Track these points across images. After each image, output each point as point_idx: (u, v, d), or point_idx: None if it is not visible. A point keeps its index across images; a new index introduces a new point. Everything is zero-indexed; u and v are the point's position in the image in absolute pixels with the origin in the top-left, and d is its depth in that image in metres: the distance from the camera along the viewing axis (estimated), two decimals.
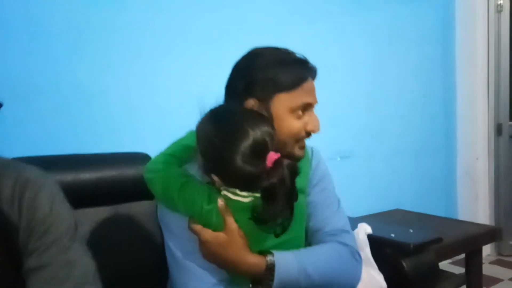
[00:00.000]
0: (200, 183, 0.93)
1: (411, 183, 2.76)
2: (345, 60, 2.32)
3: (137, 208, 1.43)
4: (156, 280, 1.25)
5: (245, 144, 0.82)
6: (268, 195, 0.81)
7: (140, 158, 1.42)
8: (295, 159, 0.97)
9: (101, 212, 1.42)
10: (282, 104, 0.96)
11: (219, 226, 0.89)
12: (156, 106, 1.70)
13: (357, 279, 1.05)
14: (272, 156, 0.82)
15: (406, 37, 2.66)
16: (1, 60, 1.39)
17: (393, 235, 1.55)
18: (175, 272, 0.98)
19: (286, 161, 0.83)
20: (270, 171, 0.81)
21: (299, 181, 0.88)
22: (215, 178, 0.88)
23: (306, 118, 0.98)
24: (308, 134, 1.00)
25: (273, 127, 0.88)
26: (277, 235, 0.86)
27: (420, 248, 1.51)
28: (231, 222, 0.89)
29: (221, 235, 0.89)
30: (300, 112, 0.97)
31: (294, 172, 0.84)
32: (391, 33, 2.58)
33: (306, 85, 0.97)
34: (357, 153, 2.43)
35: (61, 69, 1.50)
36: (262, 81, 0.95)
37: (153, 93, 1.71)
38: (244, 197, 0.86)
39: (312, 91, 1.00)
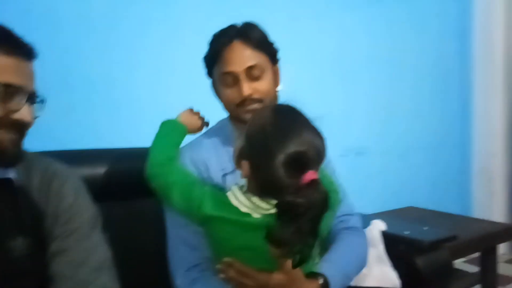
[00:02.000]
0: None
1: (426, 180, 2.73)
2: (361, 55, 2.30)
3: (150, 203, 1.43)
4: (165, 276, 1.25)
5: (294, 148, 0.77)
6: (285, 212, 0.74)
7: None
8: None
9: (113, 207, 1.42)
10: (216, 78, 1.10)
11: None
12: (162, 101, 1.70)
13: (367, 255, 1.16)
14: (311, 175, 0.75)
15: (424, 31, 2.63)
16: None
17: (407, 232, 1.53)
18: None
19: (322, 188, 0.76)
20: (301, 188, 0.74)
21: None
22: (245, 165, 0.83)
23: (237, 87, 1.04)
24: (243, 101, 1.05)
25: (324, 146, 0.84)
26: (294, 265, 0.77)
27: (435, 245, 1.49)
28: (287, 264, 0.83)
29: (280, 276, 0.86)
30: (228, 82, 1.05)
31: (325, 202, 0.76)
32: (408, 27, 2.54)
33: (224, 54, 1.05)
34: (371, 150, 2.41)
35: (69, 66, 1.51)
36: (206, 57, 1.11)
37: (159, 89, 1.72)
38: (257, 209, 0.83)
39: (231, 60, 1.04)
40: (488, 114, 2.92)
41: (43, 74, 1.44)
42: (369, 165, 2.42)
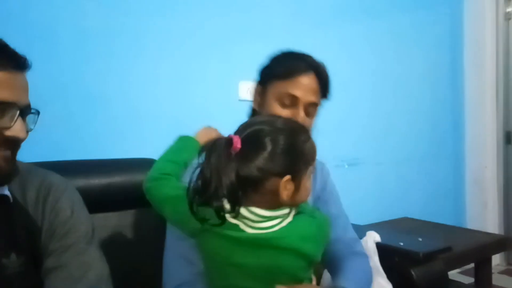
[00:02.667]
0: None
1: (419, 191, 2.74)
2: (353, 67, 2.32)
3: (145, 214, 1.44)
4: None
5: None
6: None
7: (147, 164, 1.42)
8: None
9: (109, 218, 1.43)
10: (273, 91, 1.09)
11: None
12: (161, 112, 1.70)
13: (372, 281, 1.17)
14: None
15: (415, 44, 2.67)
16: None
17: (402, 244, 1.54)
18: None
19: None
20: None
21: None
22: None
23: (292, 110, 1.06)
24: None
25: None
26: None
27: (430, 257, 1.50)
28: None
29: None
30: (286, 102, 1.06)
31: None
32: (400, 40, 2.58)
33: (298, 79, 1.07)
34: (364, 161, 2.42)
35: (67, 77, 1.51)
36: (265, 69, 1.14)
37: (158, 99, 1.72)
38: (244, 220, 0.81)
39: (303, 87, 1.07)
40: (479, 126, 2.95)
41: (41, 84, 1.47)
42: (363, 176, 2.43)
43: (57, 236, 0.83)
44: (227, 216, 0.79)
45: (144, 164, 1.50)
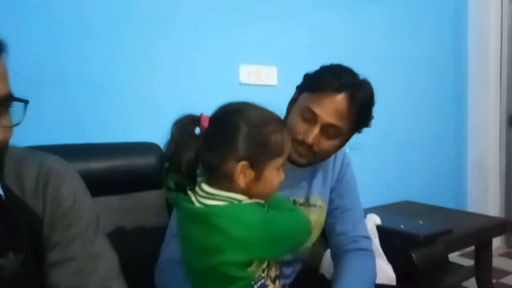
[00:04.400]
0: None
1: (421, 174, 2.74)
2: (355, 48, 2.29)
3: (148, 197, 1.45)
4: None
5: None
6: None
7: (151, 148, 1.43)
8: None
9: (112, 201, 1.44)
10: (300, 101, 1.07)
11: None
12: (161, 96, 1.69)
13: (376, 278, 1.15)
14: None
15: (418, 26, 2.63)
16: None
17: (402, 226, 1.55)
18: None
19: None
20: None
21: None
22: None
23: (309, 126, 1.02)
24: (302, 142, 1.03)
25: None
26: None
27: (430, 239, 1.51)
28: None
29: None
30: (306, 115, 1.03)
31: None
32: (401, 22, 2.54)
33: (324, 96, 1.01)
34: (366, 145, 2.41)
35: (70, 60, 1.50)
36: (306, 76, 1.10)
37: (157, 83, 1.70)
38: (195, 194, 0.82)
39: (326, 106, 1.01)
40: (482, 109, 2.93)
41: (41, 66, 1.47)
42: (365, 160, 2.43)
43: (60, 228, 0.77)
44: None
45: (146, 148, 1.51)
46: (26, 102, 0.71)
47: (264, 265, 0.85)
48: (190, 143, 0.79)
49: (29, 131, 1.45)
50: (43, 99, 1.45)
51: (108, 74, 1.58)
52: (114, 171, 1.39)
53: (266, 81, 1.98)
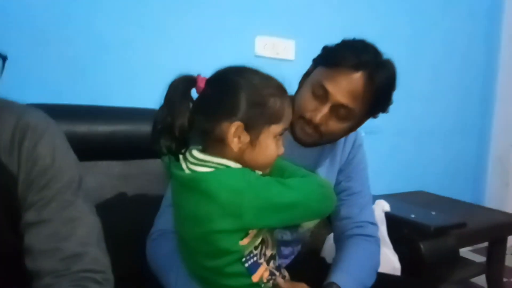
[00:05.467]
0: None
1: (438, 164, 2.64)
2: (381, 26, 2.17)
3: (151, 165, 1.41)
4: None
5: None
6: None
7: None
8: None
9: (114, 167, 1.40)
10: (313, 75, 0.99)
11: None
12: (173, 65, 1.63)
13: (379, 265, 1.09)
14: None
15: (450, 10, 2.47)
16: (8, 7, 1.34)
17: (413, 216, 1.48)
18: None
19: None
20: None
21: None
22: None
23: (319, 104, 0.94)
24: (309, 120, 0.96)
25: None
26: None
27: (441, 231, 1.44)
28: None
29: None
30: (317, 92, 0.95)
31: None
32: (434, 4, 2.39)
33: (339, 72, 0.93)
34: (383, 130, 2.32)
35: (77, 17, 1.44)
36: (324, 48, 1.00)
37: (171, 51, 1.64)
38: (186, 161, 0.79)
39: (340, 83, 0.92)
40: (511, 102, 2.79)
41: (43, 19, 1.42)
42: (380, 146, 2.34)
43: (36, 188, 0.72)
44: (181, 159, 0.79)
45: (151, 114, 1.45)
46: (4, 58, 0.69)
47: (257, 242, 0.80)
48: (184, 106, 0.75)
49: (32, 89, 1.43)
50: (47, 57, 1.41)
51: (116, 34, 1.52)
52: (116, 136, 1.35)
53: (283, 55, 1.89)
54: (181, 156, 0.79)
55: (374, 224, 1.11)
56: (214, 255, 0.78)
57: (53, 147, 0.75)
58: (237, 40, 1.78)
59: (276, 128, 0.78)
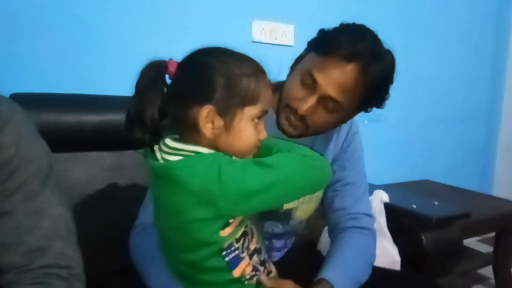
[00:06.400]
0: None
1: (445, 153, 2.57)
2: (385, 11, 2.09)
3: (141, 156, 1.37)
4: None
5: None
6: None
7: None
8: None
9: (105, 157, 1.37)
10: (304, 61, 0.93)
11: None
12: (169, 50, 1.57)
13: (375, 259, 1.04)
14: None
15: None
16: None
17: (414, 206, 1.42)
18: None
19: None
20: None
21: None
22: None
23: (307, 94, 0.89)
24: (294, 110, 0.91)
25: None
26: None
27: (444, 222, 1.38)
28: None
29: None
30: (306, 80, 0.89)
31: None
32: None
33: (330, 62, 0.86)
34: (387, 117, 2.25)
35: (69, 4, 1.40)
36: (320, 32, 0.94)
37: (168, 35, 1.59)
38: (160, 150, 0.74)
39: (330, 74, 0.86)
40: None
41: (35, 4, 1.38)
42: (384, 133, 2.27)
43: (0, 178, 0.69)
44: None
45: None
46: None
47: (239, 233, 0.75)
48: (154, 94, 0.71)
49: (23, 77, 1.40)
50: (39, 44, 1.37)
51: (109, 20, 1.47)
52: (107, 126, 1.31)
53: (282, 40, 1.83)
54: (156, 146, 0.75)
55: (370, 216, 1.06)
56: (191, 247, 0.74)
57: (17, 135, 0.71)
58: (233, 24, 1.72)
59: (251, 111, 0.73)
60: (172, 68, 0.73)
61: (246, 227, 0.77)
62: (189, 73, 0.72)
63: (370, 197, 1.28)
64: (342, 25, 0.90)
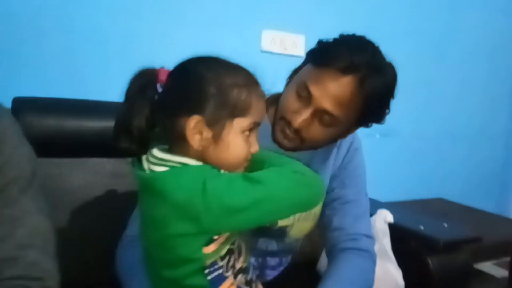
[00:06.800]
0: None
1: (461, 170, 2.48)
2: (401, 24, 2.04)
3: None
4: None
5: None
6: None
7: None
8: None
9: (105, 164, 1.35)
10: (302, 72, 0.90)
11: None
12: (178, 59, 1.56)
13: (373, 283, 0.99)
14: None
15: (478, 4, 2.29)
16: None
17: (422, 227, 1.35)
18: None
19: None
20: None
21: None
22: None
23: (302, 106, 0.86)
24: (289, 122, 0.88)
25: None
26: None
27: (452, 245, 1.31)
28: None
29: None
30: (301, 93, 0.86)
31: None
32: None
33: (326, 74, 0.83)
34: (400, 132, 2.19)
35: (74, 6, 1.40)
36: (319, 43, 0.91)
37: (176, 44, 1.58)
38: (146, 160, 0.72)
39: (325, 87, 0.83)
40: None
41: (42, 12, 1.37)
42: (396, 149, 2.21)
43: None
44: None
45: None
46: None
47: (224, 251, 0.71)
48: (142, 104, 0.68)
49: (26, 81, 1.40)
50: (43, 49, 1.37)
51: (115, 27, 1.47)
52: (109, 132, 1.29)
53: (292, 50, 1.80)
54: (144, 156, 0.72)
55: (370, 237, 1.01)
56: (172, 264, 0.70)
57: (1, 140, 0.70)
58: (242, 34, 1.70)
59: (241, 122, 0.69)
60: (163, 77, 0.70)
61: (233, 244, 0.73)
62: (179, 82, 0.69)
63: (373, 217, 1.23)
64: (342, 36, 0.87)
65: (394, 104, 2.25)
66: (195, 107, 0.67)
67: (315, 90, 0.82)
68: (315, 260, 1.36)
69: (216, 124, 0.68)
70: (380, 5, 1.98)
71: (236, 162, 0.72)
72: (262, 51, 1.74)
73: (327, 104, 0.81)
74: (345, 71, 0.80)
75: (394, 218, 1.31)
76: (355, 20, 1.88)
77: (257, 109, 0.71)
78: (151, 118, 0.68)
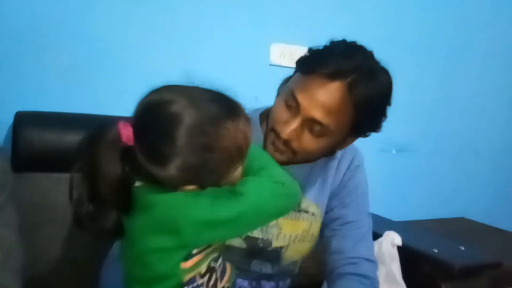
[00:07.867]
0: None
1: (485, 188, 2.35)
2: (413, 32, 1.95)
3: None
4: None
5: None
6: None
7: None
8: None
9: None
10: (290, 82, 0.88)
11: None
12: (179, 72, 1.54)
13: None
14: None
15: (497, 12, 2.19)
16: (5, 10, 1.30)
17: (436, 251, 1.26)
18: None
19: None
20: None
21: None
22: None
23: (291, 116, 0.83)
24: (277, 134, 0.85)
25: None
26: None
27: (469, 271, 1.22)
28: None
29: None
30: (290, 102, 0.84)
31: None
32: (478, 6, 2.13)
33: (312, 81, 0.81)
34: (418, 148, 2.10)
35: (76, 20, 1.39)
36: (309, 51, 0.90)
37: (181, 58, 1.56)
38: None
39: (313, 95, 0.80)
40: None
41: (45, 27, 1.37)
42: (414, 165, 2.11)
43: None
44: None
45: None
46: None
47: (203, 268, 0.66)
48: (112, 171, 0.61)
49: (30, 96, 1.40)
50: (46, 63, 1.37)
51: (117, 39, 1.45)
52: None
53: None
54: None
55: (371, 261, 0.94)
56: (148, 281, 0.66)
57: None
58: (250, 47, 1.66)
59: (239, 164, 0.67)
60: (126, 134, 0.63)
61: (215, 261, 0.69)
62: (152, 141, 0.61)
63: (380, 239, 1.15)
64: (332, 42, 0.84)
65: (412, 117, 2.16)
66: (179, 177, 0.61)
67: (302, 99, 0.79)
68: (320, 282, 1.29)
69: (211, 183, 0.65)
70: (394, 17, 1.91)
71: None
72: (271, 65, 1.70)
73: (315, 113, 0.78)
74: (332, 76, 0.77)
75: (406, 239, 1.23)
76: (366, 33, 1.81)
77: (247, 141, 0.65)
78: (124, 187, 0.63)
